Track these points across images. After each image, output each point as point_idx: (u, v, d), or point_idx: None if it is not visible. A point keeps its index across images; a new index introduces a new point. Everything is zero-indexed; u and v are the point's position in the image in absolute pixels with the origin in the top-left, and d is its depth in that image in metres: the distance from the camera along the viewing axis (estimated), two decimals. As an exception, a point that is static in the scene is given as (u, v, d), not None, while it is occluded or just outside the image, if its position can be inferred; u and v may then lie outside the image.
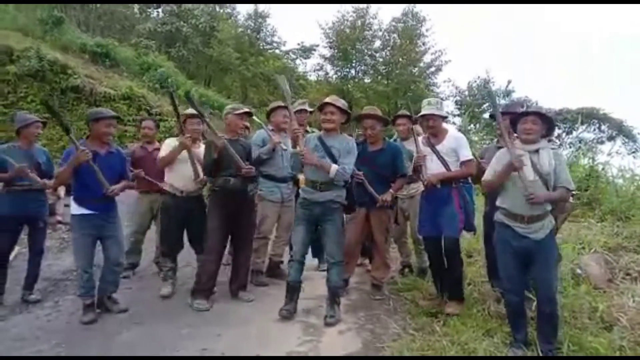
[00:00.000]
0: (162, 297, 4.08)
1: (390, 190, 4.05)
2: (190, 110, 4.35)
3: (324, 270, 4.73)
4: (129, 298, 3.91)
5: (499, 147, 3.28)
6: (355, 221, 4.15)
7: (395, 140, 4.77)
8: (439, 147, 3.79)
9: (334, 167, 3.51)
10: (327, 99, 3.66)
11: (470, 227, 3.90)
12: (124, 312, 3.65)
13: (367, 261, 4.93)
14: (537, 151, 2.96)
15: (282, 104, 4.63)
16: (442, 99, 15.75)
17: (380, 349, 3.15)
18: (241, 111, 4.15)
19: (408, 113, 4.82)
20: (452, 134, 3.89)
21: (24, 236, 4.12)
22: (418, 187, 4.53)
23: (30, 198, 3.87)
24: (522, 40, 51.72)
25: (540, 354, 2.86)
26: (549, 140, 3.18)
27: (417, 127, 4.36)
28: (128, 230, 4.64)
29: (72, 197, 3.59)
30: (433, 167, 3.79)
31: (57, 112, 3.78)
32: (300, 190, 3.78)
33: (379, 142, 4.14)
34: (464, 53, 41.57)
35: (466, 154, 3.76)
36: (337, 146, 3.63)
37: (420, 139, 4.03)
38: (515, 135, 3.11)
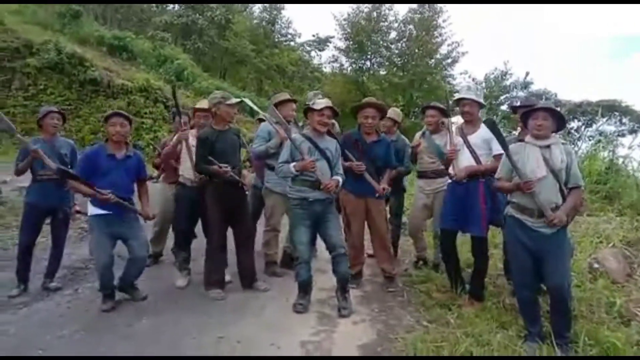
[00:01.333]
0: (177, 288, 4.15)
1: (384, 180, 4.14)
2: (201, 104, 4.49)
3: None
4: (146, 286, 3.97)
5: (520, 140, 3.22)
6: (357, 213, 4.18)
7: (424, 133, 4.69)
8: (471, 138, 3.66)
9: (340, 180, 3.73)
10: (325, 104, 3.69)
11: (497, 223, 3.79)
12: (144, 300, 3.72)
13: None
14: (548, 147, 2.92)
15: (289, 98, 4.65)
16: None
17: (394, 340, 3.16)
18: (234, 101, 4.01)
19: (439, 105, 4.75)
20: None
21: (44, 226, 4.20)
22: (444, 182, 4.46)
23: (52, 188, 3.93)
24: (543, 31, 50.74)
25: (555, 347, 2.84)
26: (568, 133, 3.14)
27: (447, 121, 4.25)
28: (154, 220, 4.72)
29: (89, 200, 3.64)
30: (463, 159, 3.67)
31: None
32: (293, 191, 3.72)
33: (374, 134, 4.15)
34: (481, 44, 41.02)
35: (499, 147, 3.58)
36: (330, 148, 3.73)
37: (453, 129, 3.89)
38: (516, 129, 3.08)
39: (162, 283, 4.23)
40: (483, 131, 3.60)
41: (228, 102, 3.95)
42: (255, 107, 4.83)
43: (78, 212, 6.89)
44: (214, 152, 3.84)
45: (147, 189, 3.98)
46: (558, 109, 3.01)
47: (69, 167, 3.98)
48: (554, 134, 3.00)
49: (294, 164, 3.61)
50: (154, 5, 22.70)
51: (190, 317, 3.49)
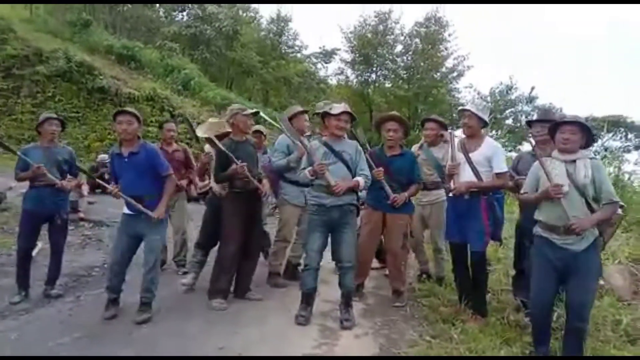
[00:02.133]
0: (182, 285, 4.26)
1: (405, 193, 3.98)
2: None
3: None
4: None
5: (534, 155, 3.20)
6: (370, 224, 4.13)
7: (422, 145, 4.70)
8: (473, 155, 3.62)
9: (361, 181, 3.57)
10: (342, 109, 3.64)
11: (497, 238, 3.80)
12: (143, 323, 3.46)
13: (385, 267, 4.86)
14: (574, 161, 2.86)
15: (302, 109, 4.65)
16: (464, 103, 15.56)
17: (397, 354, 3.13)
18: (249, 112, 4.09)
19: (439, 118, 4.77)
20: (489, 142, 3.69)
21: (46, 232, 4.21)
22: (440, 194, 4.48)
23: (48, 195, 3.92)
24: (547, 47, 50.90)
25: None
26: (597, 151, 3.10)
27: (447, 134, 4.26)
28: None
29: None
30: (464, 175, 3.63)
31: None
32: (311, 197, 3.70)
33: (397, 148, 4.09)
34: (487, 58, 41.17)
35: (500, 165, 3.56)
36: (348, 151, 3.66)
37: (456, 142, 3.84)
38: (522, 143, 3.05)
39: (164, 291, 4.21)
40: (485, 148, 3.60)
41: (244, 112, 4.04)
42: (269, 119, 4.88)
43: (82, 219, 6.95)
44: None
45: (170, 186, 3.72)
46: (585, 122, 2.92)
47: (67, 174, 4.02)
48: (582, 150, 2.92)
49: (308, 168, 3.58)
50: (162, 15, 23.00)
51: (192, 326, 3.47)
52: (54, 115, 4.12)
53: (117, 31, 19.50)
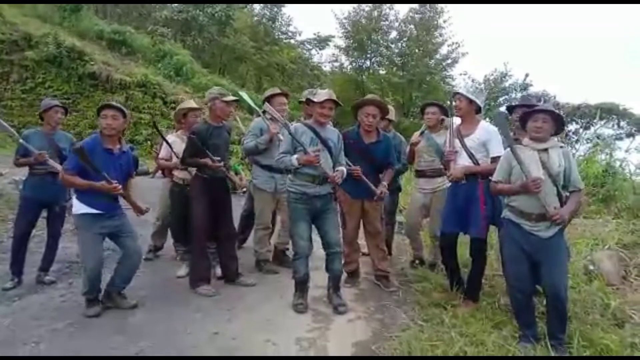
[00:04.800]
0: (177, 278, 4.22)
1: (384, 182, 4.06)
2: (188, 104, 4.63)
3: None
4: (142, 280, 3.97)
5: (516, 139, 3.21)
6: (353, 214, 4.17)
7: (422, 131, 4.68)
8: (468, 140, 3.62)
9: (345, 171, 3.67)
10: (327, 95, 3.61)
11: (496, 222, 3.79)
12: (133, 308, 3.48)
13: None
14: (546, 150, 2.91)
15: (279, 91, 4.59)
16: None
17: (389, 338, 3.16)
18: (229, 99, 3.98)
19: (439, 102, 4.75)
20: (484, 126, 3.66)
21: (40, 219, 4.18)
22: (443, 182, 4.45)
23: (48, 182, 3.91)
24: (542, 33, 50.71)
25: (550, 348, 2.84)
26: (566, 135, 3.14)
27: (447, 120, 4.24)
28: (155, 214, 4.79)
29: (74, 197, 3.44)
30: (461, 161, 3.64)
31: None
32: (293, 185, 3.66)
33: (374, 134, 4.07)
34: (481, 45, 41.03)
35: (497, 149, 3.52)
36: (333, 139, 3.68)
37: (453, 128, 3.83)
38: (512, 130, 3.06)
39: (158, 277, 4.23)
40: (479, 133, 3.60)
41: (224, 98, 3.92)
42: (251, 103, 4.78)
43: (74, 206, 6.90)
44: (207, 148, 3.83)
45: (132, 184, 3.76)
46: (557, 111, 2.98)
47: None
48: (552, 137, 2.98)
49: (296, 156, 3.53)
50: (154, 0, 22.63)
51: (185, 312, 3.48)
52: (60, 103, 4.09)
53: (107, 16, 19.18)
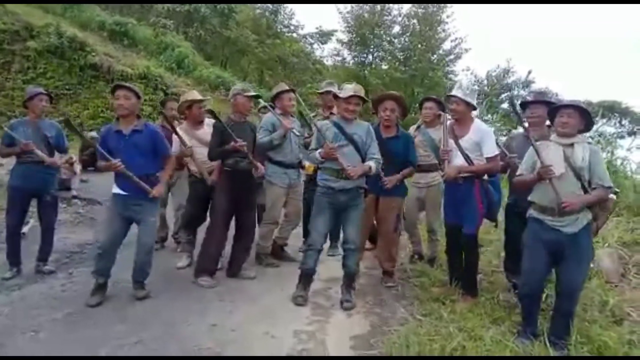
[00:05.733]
0: (177, 269, 4.25)
1: (397, 175, 3.95)
2: (191, 95, 4.57)
3: (332, 255, 4.77)
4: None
5: (526, 136, 3.20)
6: (366, 209, 4.11)
7: (419, 126, 4.67)
8: (462, 141, 3.61)
9: (373, 165, 3.52)
10: (352, 91, 3.54)
11: (491, 218, 3.82)
12: (142, 299, 3.50)
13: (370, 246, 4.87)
14: (572, 145, 2.88)
15: (288, 87, 4.60)
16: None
17: (387, 332, 3.17)
18: (250, 94, 4.10)
19: (437, 97, 4.73)
20: (478, 126, 3.66)
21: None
22: (436, 177, 4.48)
23: (36, 171, 3.88)
24: (545, 30, 50.54)
25: (548, 346, 2.84)
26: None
27: (444, 116, 4.22)
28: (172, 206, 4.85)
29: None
30: (456, 161, 3.64)
31: (76, 129, 3.78)
32: (320, 179, 3.67)
33: (393, 129, 4.02)
34: (484, 41, 40.85)
35: (491, 150, 3.54)
36: (359, 133, 3.58)
37: (448, 124, 3.81)
38: (516, 128, 3.03)
39: (159, 267, 4.21)
40: (473, 134, 3.60)
41: (245, 94, 4.04)
42: (262, 100, 4.80)
43: (75, 197, 6.91)
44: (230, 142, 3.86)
45: (169, 166, 3.69)
46: (584, 106, 2.91)
47: (55, 149, 3.99)
48: (580, 133, 2.93)
49: (319, 150, 3.54)
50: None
51: (186, 303, 3.50)
52: (43, 90, 4.05)
53: (109, 7, 19.08)
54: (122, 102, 3.38)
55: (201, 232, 4.58)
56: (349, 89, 3.59)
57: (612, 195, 3.00)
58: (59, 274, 4.02)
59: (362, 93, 3.58)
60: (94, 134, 9.50)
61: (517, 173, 3.18)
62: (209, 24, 19.53)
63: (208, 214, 4.28)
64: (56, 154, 4.07)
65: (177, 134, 4.26)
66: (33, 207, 4.21)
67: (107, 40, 15.19)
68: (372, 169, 3.53)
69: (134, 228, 3.57)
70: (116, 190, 3.48)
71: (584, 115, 2.89)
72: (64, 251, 4.63)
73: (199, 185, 4.30)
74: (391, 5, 22.34)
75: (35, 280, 3.84)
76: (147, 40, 16.25)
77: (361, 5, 22.31)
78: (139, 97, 3.48)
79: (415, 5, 22.11)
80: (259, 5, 23.20)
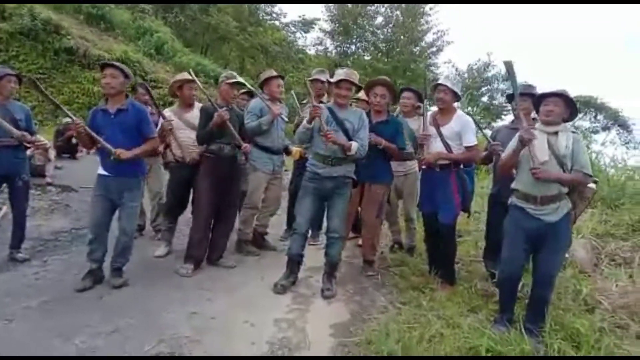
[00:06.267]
0: (156, 258, 4.19)
1: (384, 142, 3.81)
2: (182, 76, 4.39)
3: (313, 244, 4.77)
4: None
5: (513, 129, 3.23)
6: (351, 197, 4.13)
7: (397, 115, 4.70)
8: (444, 129, 3.69)
9: (355, 145, 3.45)
10: (343, 75, 3.54)
11: (465, 209, 3.90)
12: (119, 287, 3.44)
13: (358, 237, 4.93)
14: (556, 133, 2.93)
15: (276, 74, 4.57)
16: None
17: (367, 320, 3.20)
18: (232, 80, 4.05)
19: (415, 88, 4.75)
20: (460, 116, 3.74)
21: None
22: (413, 165, 4.54)
23: (5, 155, 3.77)
24: (523, 26, 51.27)
25: (524, 332, 2.90)
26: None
27: (423, 106, 4.25)
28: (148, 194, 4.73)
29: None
30: (435, 148, 3.70)
31: (44, 92, 3.58)
32: (308, 164, 3.68)
33: (383, 114, 4.02)
34: (465, 35, 41.19)
35: (471, 139, 3.63)
36: (351, 119, 3.56)
37: (428, 115, 3.90)
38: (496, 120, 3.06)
39: (137, 255, 4.15)
40: (455, 123, 3.67)
41: (227, 80, 4.02)
42: (248, 85, 4.71)
43: (49, 184, 6.74)
44: (216, 129, 3.82)
45: (150, 145, 3.52)
46: (569, 95, 2.96)
47: (24, 132, 3.85)
48: (564, 123, 2.99)
49: (306, 117, 3.52)
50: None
51: (164, 291, 3.45)
52: (12, 72, 3.92)
53: (86, -11, 18.53)
54: (109, 80, 3.35)
55: (181, 221, 4.55)
56: (340, 73, 3.59)
57: (592, 185, 3.06)
58: (33, 261, 3.92)
59: (354, 78, 3.57)
60: (68, 120, 9.25)
61: (502, 156, 3.21)
62: (189, 10, 19.17)
63: (190, 201, 4.22)
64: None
65: (163, 117, 4.15)
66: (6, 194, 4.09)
67: (84, 24, 14.77)
68: (353, 148, 3.43)
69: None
70: (100, 171, 3.45)
71: (569, 104, 2.95)
72: (39, 239, 4.51)
73: (179, 170, 4.22)
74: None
75: (9, 268, 3.74)
76: (125, 25, 15.86)
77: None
78: (127, 77, 3.44)
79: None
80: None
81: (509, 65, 3.01)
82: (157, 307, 3.17)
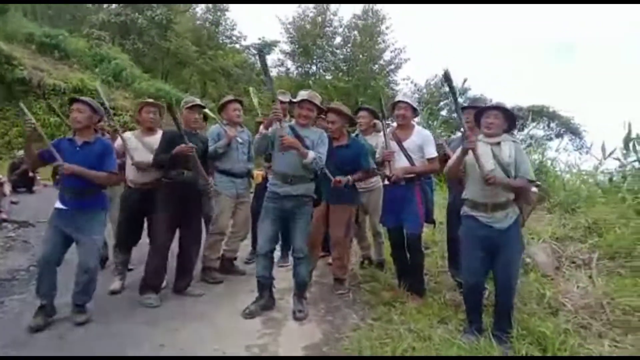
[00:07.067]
0: (110, 293, 3.95)
1: (349, 176, 3.94)
2: (146, 100, 4.37)
3: (282, 266, 4.74)
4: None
5: (464, 139, 3.35)
6: (316, 215, 4.13)
7: (357, 134, 4.79)
8: (406, 143, 3.85)
9: (312, 154, 3.45)
10: (305, 96, 3.63)
11: (430, 220, 4.00)
12: (82, 324, 3.29)
13: (327, 255, 4.94)
14: (498, 144, 3.07)
15: (233, 98, 4.62)
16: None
17: (340, 339, 3.18)
18: (191, 104, 4.03)
19: (370, 107, 4.89)
20: (419, 130, 3.96)
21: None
22: (377, 181, 4.63)
23: None
24: (478, 40, 53.36)
25: (492, 339, 2.96)
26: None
27: (379, 123, 4.37)
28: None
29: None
30: (399, 163, 3.84)
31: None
32: (268, 184, 3.69)
33: (343, 138, 4.11)
34: (422, 52, 42.49)
35: (432, 151, 3.83)
36: (311, 137, 3.60)
37: (388, 131, 4.01)
38: (455, 133, 3.21)
39: (101, 289, 3.99)
40: (416, 137, 3.86)
41: (187, 105, 4.00)
42: (207, 111, 4.68)
43: (4, 220, 6.45)
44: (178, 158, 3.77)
45: (106, 177, 3.39)
46: (508, 107, 3.13)
47: None
48: (505, 133, 3.13)
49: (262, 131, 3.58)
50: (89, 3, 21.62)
51: (130, 325, 3.33)
52: None
53: (38, 18, 18.12)
54: (75, 114, 3.38)
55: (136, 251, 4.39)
56: (303, 94, 3.69)
57: (534, 189, 3.22)
58: (-12, 303, 3.72)
59: (316, 100, 3.64)
60: (22, 153, 8.92)
61: (447, 165, 3.32)
62: (147, 35, 19.01)
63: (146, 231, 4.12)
64: None
65: (122, 138, 4.15)
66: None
67: (37, 53, 14.40)
68: (308, 156, 3.42)
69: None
70: (58, 205, 3.36)
71: (508, 116, 3.11)
72: (-6, 279, 4.29)
73: (132, 196, 4.08)
74: (332, 16, 22.82)
75: (-39, 312, 3.53)
76: (81, 53, 15.57)
77: (302, 16, 22.60)
78: (95, 111, 3.44)
79: (355, 16, 22.70)
80: (199, 15, 22.90)
81: (446, 74, 3.14)
82: (123, 342, 3.05)
